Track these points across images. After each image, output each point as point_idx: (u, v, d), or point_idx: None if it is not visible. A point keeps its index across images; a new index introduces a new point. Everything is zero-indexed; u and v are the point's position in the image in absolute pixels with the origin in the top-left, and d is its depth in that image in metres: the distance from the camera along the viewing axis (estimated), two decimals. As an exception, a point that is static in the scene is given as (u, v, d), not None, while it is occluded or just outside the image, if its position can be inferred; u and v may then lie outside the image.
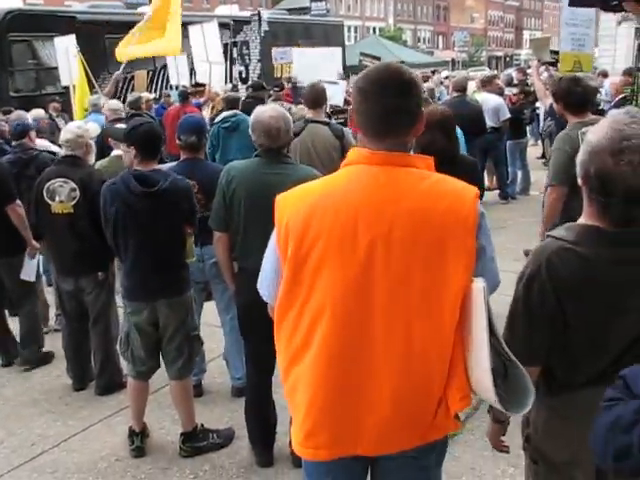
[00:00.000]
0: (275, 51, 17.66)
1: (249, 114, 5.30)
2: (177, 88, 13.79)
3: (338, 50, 14.45)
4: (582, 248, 2.05)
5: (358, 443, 2.10)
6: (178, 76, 13.62)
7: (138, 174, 4.02)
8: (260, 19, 13.77)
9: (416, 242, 1.96)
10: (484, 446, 3.47)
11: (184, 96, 11.64)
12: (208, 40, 12.37)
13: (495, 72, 12.56)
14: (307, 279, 2.04)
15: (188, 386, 4.29)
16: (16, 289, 5.57)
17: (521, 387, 2.02)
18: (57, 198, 4.84)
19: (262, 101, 9.45)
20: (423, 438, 2.11)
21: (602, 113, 7.52)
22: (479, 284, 1.95)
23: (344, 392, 2.05)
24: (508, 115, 10.60)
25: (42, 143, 6.95)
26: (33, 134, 6.36)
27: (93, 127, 5.70)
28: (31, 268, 5.53)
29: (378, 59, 18.16)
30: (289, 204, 2.11)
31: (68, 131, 5.06)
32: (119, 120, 7.88)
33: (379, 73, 2.09)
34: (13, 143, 6.36)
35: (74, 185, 4.81)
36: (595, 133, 2.05)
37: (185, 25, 14.48)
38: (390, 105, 2.01)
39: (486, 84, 11.11)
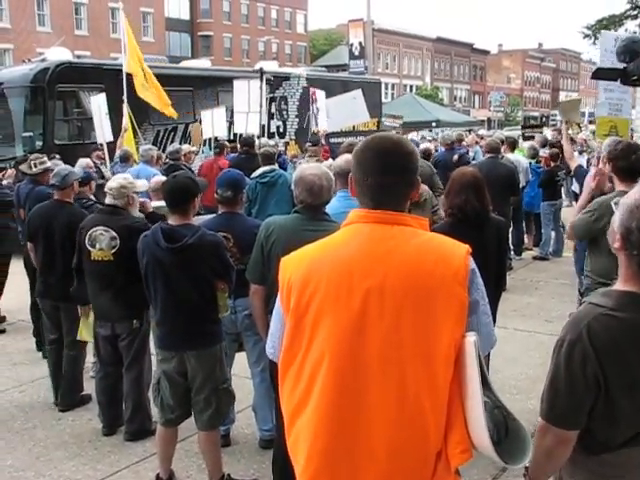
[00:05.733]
0: None
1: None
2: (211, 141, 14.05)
3: (358, 92, 14.68)
4: (622, 314, 2.09)
5: None
6: (213, 128, 13.87)
7: (166, 228, 4.14)
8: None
9: (407, 293, 2.04)
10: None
11: (220, 148, 11.84)
12: (252, 94, 12.65)
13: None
14: (307, 330, 2.13)
15: (216, 437, 4.33)
16: (72, 332, 5.66)
17: (520, 439, 2.05)
18: (97, 245, 4.95)
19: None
20: None
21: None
22: (470, 338, 2.02)
23: (343, 441, 2.08)
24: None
25: None
26: (93, 184, 6.62)
27: (141, 182, 5.86)
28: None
29: (400, 118, 18.27)
30: (292, 263, 2.25)
31: (114, 180, 5.20)
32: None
33: (379, 147, 2.20)
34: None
35: (114, 234, 4.91)
36: (631, 195, 2.13)
37: (229, 80, 14.92)
38: (389, 181, 2.16)
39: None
